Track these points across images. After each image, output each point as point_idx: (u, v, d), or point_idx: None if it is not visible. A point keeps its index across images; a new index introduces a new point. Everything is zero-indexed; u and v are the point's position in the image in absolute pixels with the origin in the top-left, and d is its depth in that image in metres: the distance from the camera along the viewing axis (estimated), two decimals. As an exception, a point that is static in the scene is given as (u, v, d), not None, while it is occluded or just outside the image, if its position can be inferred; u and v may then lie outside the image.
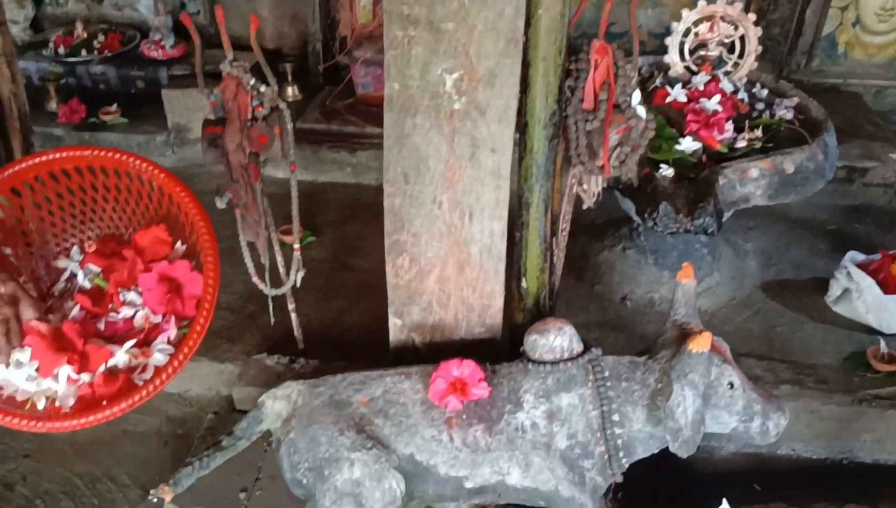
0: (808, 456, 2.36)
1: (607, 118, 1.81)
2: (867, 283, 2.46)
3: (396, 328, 2.00)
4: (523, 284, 1.92)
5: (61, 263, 1.66)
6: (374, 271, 2.69)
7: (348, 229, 3.20)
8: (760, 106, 2.43)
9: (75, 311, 1.59)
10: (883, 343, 2.37)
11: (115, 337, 1.55)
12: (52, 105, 3.78)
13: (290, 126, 1.85)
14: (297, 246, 2.05)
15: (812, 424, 2.32)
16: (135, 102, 3.87)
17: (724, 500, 1.87)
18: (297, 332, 2.31)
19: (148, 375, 1.50)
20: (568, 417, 1.72)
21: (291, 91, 3.90)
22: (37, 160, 1.62)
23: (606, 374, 1.72)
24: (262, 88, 1.78)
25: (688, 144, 2.19)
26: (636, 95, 1.82)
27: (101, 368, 1.49)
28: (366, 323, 2.57)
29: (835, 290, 2.62)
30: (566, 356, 1.73)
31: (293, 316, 2.26)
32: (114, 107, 3.78)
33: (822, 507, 2.12)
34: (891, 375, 2.33)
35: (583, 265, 2.91)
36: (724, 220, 2.56)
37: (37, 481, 2.12)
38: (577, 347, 1.74)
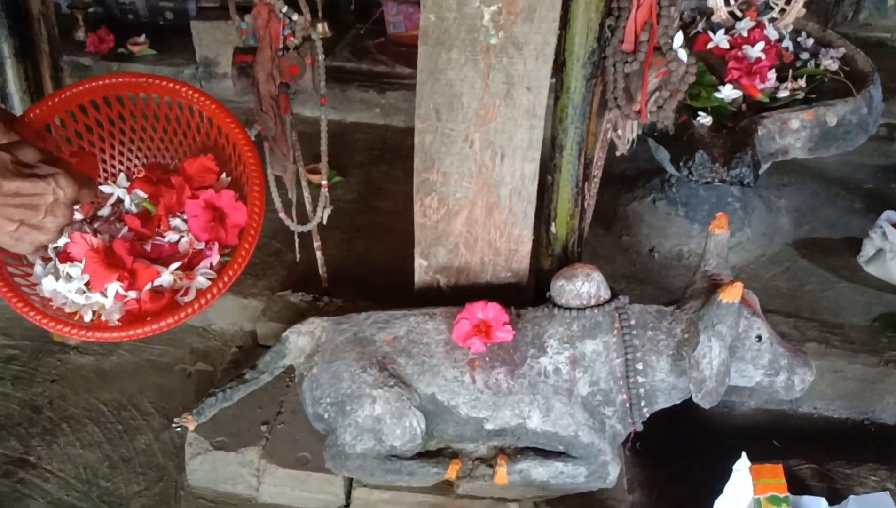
0: (829, 415, 2.34)
1: (647, 60, 1.76)
2: (903, 243, 2.41)
3: (422, 270, 1.99)
4: (552, 229, 1.89)
5: (107, 188, 1.66)
6: (400, 214, 2.69)
7: (375, 171, 3.18)
8: (805, 56, 2.35)
9: (124, 232, 1.60)
10: (914, 305, 2.33)
11: (161, 259, 1.56)
12: (80, 34, 3.76)
13: (322, 57, 1.81)
14: (324, 182, 2.03)
15: (836, 383, 2.30)
16: (163, 34, 3.84)
17: (744, 454, 1.86)
18: (321, 270, 2.30)
19: (190, 297, 1.52)
20: (591, 364, 1.70)
21: (322, 28, 3.84)
22: (93, 84, 1.61)
23: (632, 322, 1.70)
24: (295, 17, 1.74)
25: (728, 92, 2.13)
26: (678, 38, 1.76)
27: (148, 286, 1.51)
28: (390, 265, 2.56)
29: (868, 250, 2.56)
30: (593, 302, 1.70)
31: (318, 254, 2.25)
32: (142, 38, 3.76)
33: (840, 465, 2.11)
34: (921, 337, 2.29)
35: (611, 216, 2.88)
36: (761, 172, 2.51)
37: (63, 405, 2.15)
38: (605, 294, 1.72)
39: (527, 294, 2.00)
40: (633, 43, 1.75)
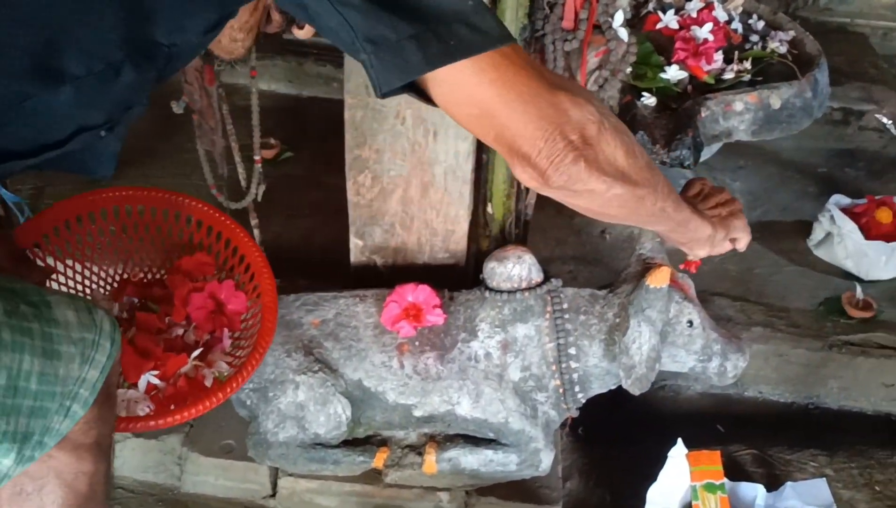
0: (774, 399, 2.33)
1: (586, 39, 1.71)
2: (849, 227, 2.39)
3: (357, 250, 1.93)
4: (489, 209, 1.84)
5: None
6: (350, 191, 2.63)
7: (329, 147, 3.05)
8: (755, 38, 2.31)
9: (132, 331, 1.57)
10: (859, 289, 2.32)
11: (174, 351, 1.55)
12: None
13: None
14: (256, 157, 1.96)
15: (780, 368, 2.28)
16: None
17: (679, 440, 1.84)
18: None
19: (208, 383, 1.50)
20: (523, 348, 1.66)
21: (277, 0, 3.73)
22: (86, 199, 1.57)
23: (565, 306, 1.65)
24: (218, -14, 1.67)
25: (673, 73, 2.08)
26: (619, 16, 1.71)
27: (178, 373, 1.49)
28: (335, 244, 2.48)
29: (817, 233, 2.55)
30: (524, 285, 1.66)
31: (255, 232, 2.19)
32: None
33: (781, 451, 2.10)
34: (864, 321, 2.28)
35: (564, 197, 2.83)
36: (711, 155, 2.48)
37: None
38: (537, 277, 1.67)
39: (466, 276, 1.95)
40: (573, 20, 1.70)
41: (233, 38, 1.30)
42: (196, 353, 1.52)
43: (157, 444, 1.81)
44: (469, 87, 0.93)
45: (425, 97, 0.99)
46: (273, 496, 1.81)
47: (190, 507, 1.81)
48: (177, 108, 1.81)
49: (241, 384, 1.46)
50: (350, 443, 1.73)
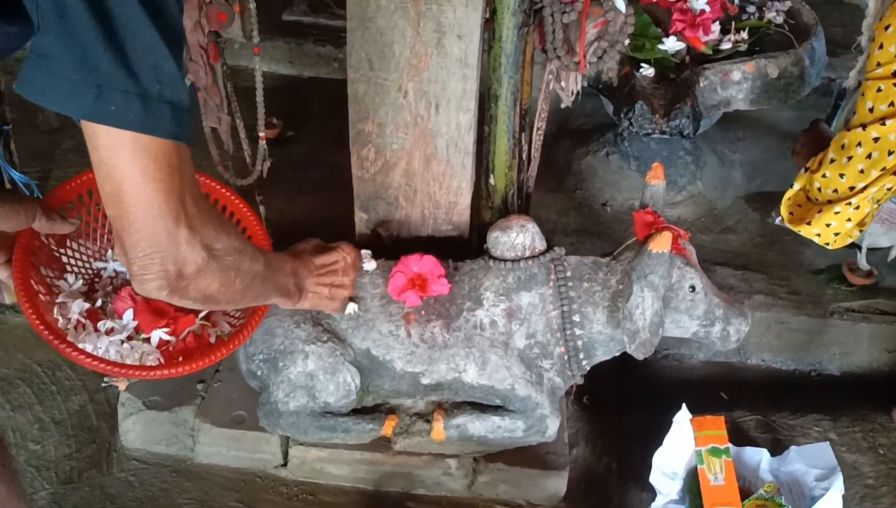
0: (777, 367, 2.36)
1: (584, 10, 1.72)
2: (849, 196, 2.40)
3: (362, 223, 1.96)
4: (491, 180, 1.86)
5: (99, 264, 1.64)
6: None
7: (330, 126, 3.09)
8: (751, 9, 2.32)
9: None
10: (860, 256, 2.34)
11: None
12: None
13: (252, 4, 1.76)
14: (262, 133, 1.98)
15: (782, 335, 2.31)
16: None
17: (684, 405, 1.86)
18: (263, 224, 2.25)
19: (212, 340, 1.59)
20: (527, 316, 1.69)
21: (277, -19, 3.74)
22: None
23: (568, 274, 1.68)
24: (220, -37, 1.69)
25: (671, 44, 2.09)
26: (616, -14, 1.73)
27: (186, 331, 1.57)
28: (338, 220, 2.50)
29: (817, 203, 2.56)
30: (528, 254, 1.69)
31: (261, 208, 2.21)
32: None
33: (784, 416, 2.12)
34: (865, 288, 2.30)
35: (565, 171, 2.85)
36: (710, 125, 2.50)
37: (-6, 366, 2.10)
38: (540, 245, 1.70)
39: (469, 247, 1.97)
40: (572, -9, 1.71)
41: None
42: (203, 314, 1.59)
43: (170, 416, 1.84)
44: (120, 156, 0.94)
45: None
46: (284, 465, 1.84)
47: (203, 477, 1.85)
48: (181, 86, 1.83)
49: (240, 343, 1.54)
50: (359, 412, 1.76)
